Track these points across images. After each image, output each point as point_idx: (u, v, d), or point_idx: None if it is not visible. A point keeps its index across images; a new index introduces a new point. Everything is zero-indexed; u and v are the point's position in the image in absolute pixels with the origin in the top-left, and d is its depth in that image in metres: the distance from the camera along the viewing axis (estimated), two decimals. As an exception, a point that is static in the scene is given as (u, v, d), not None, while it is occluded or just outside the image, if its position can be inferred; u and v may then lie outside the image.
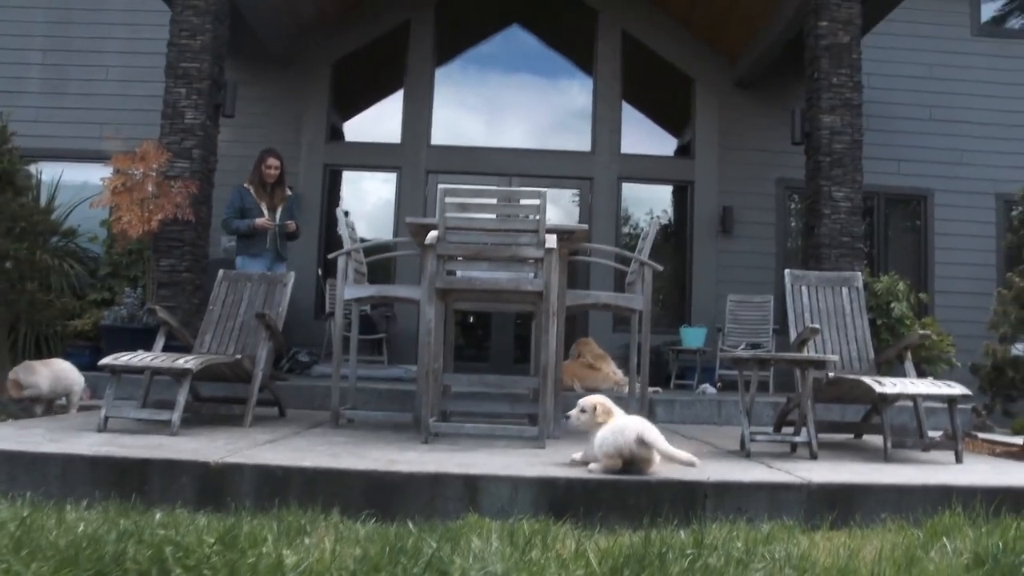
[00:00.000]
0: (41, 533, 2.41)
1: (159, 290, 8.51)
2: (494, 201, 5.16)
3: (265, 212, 8.36)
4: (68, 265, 9.75)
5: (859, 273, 6.42)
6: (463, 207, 5.03)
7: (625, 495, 3.60)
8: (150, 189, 8.26)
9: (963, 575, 2.52)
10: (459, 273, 5.48)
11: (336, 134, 12.36)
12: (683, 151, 12.57)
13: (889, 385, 4.84)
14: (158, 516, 2.88)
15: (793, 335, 5.87)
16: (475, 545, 2.51)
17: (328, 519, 3.17)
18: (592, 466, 3.86)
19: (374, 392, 7.19)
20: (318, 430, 5.47)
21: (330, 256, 6.45)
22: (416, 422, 5.48)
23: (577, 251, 6.76)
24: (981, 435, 6.56)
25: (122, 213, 8.09)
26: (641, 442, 3.77)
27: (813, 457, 4.70)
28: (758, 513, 3.58)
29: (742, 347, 10.25)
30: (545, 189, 4.99)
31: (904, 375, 5.43)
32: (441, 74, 12.53)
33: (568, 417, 4.18)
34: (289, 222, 8.39)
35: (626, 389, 6.74)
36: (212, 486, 3.67)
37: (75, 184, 10.77)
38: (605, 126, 12.29)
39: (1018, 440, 6.06)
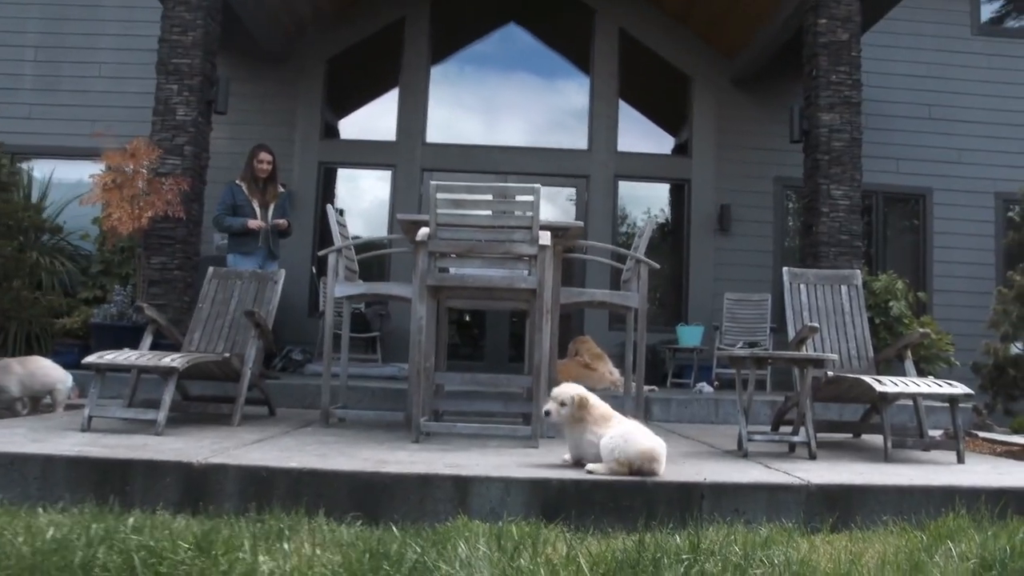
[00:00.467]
0: (4, 539, 2.31)
1: (150, 288, 8.41)
2: (487, 197, 5.05)
3: (257, 209, 8.24)
4: (59, 263, 9.65)
5: (858, 271, 6.33)
6: (456, 203, 4.93)
7: (619, 497, 3.50)
8: (141, 186, 8.15)
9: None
10: (452, 270, 5.37)
11: (331, 131, 12.25)
12: (680, 149, 12.46)
13: (889, 384, 4.75)
14: (132, 520, 2.77)
15: (791, 333, 5.78)
16: (462, 551, 2.41)
17: (313, 522, 3.07)
18: (594, 467, 3.75)
19: (367, 391, 7.08)
20: (308, 429, 5.37)
21: (320, 253, 6.35)
22: (408, 421, 5.38)
23: (572, 249, 6.66)
24: (982, 434, 6.47)
25: (112, 210, 7.99)
26: (654, 459, 3.71)
27: (812, 457, 4.60)
28: (756, 515, 3.49)
29: (739, 346, 10.17)
30: (538, 185, 4.87)
31: (903, 374, 5.34)
32: (437, 71, 12.42)
33: (548, 413, 4.05)
34: (280, 220, 8.25)
35: (622, 389, 6.64)
36: (196, 487, 3.56)
37: (68, 182, 10.66)
38: (602, 124, 12.19)
39: (1019, 439, 5.97)
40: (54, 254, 9.74)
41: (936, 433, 5.54)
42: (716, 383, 9.79)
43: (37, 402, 6.06)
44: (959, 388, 4.73)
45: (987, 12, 12.46)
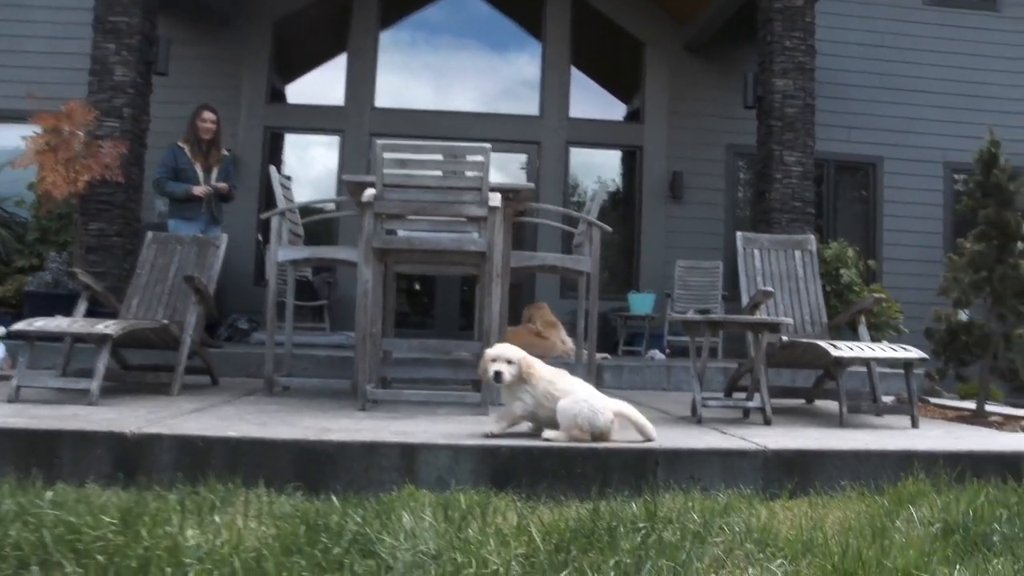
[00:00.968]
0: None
1: (87, 255, 8.12)
2: (436, 157, 4.88)
3: (200, 173, 7.91)
4: (-9, 231, 9.30)
5: (812, 236, 6.26)
6: (403, 163, 4.75)
7: (572, 464, 3.38)
8: (77, 149, 7.84)
9: (933, 545, 2.34)
10: (400, 233, 5.20)
11: (277, 96, 11.94)
12: (633, 116, 12.35)
13: (845, 349, 4.69)
14: (50, 494, 2.59)
15: (745, 299, 5.69)
16: (406, 521, 2.27)
17: (251, 493, 2.91)
18: (552, 434, 3.60)
19: (313, 359, 6.90)
20: (251, 398, 5.18)
21: (263, 216, 6.13)
22: (354, 389, 5.22)
23: (523, 213, 6.52)
24: (933, 400, 6.47)
25: (46, 173, 7.68)
26: (621, 422, 3.64)
27: (767, 423, 4.52)
28: (712, 481, 3.39)
29: (690, 313, 10.11)
30: (488, 144, 4.71)
31: (856, 340, 5.29)
32: (386, 36, 12.15)
33: (499, 374, 3.68)
34: (222, 184, 7.92)
35: (575, 357, 6.54)
36: (128, 459, 3.37)
37: (3, 148, 10.24)
38: (554, 91, 12.03)
39: (970, 404, 5.97)
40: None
41: (888, 399, 5.52)
42: (668, 350, 9.75)
43: (-34, 372, 5.82)
44: (914, 352, 4.68)
45: (939, -18, 12.47)
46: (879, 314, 8.92)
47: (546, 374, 3.78)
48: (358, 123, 11.58)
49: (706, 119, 11.85)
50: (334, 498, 2.73)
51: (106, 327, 4.75)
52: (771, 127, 9.02)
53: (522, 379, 3.72)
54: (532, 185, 5.68)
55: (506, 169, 12.10)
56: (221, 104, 9.44)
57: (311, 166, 12.40)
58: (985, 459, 3.66)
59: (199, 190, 7.75)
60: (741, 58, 11.11)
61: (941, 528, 2.48)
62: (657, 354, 9.28)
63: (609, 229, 5.93)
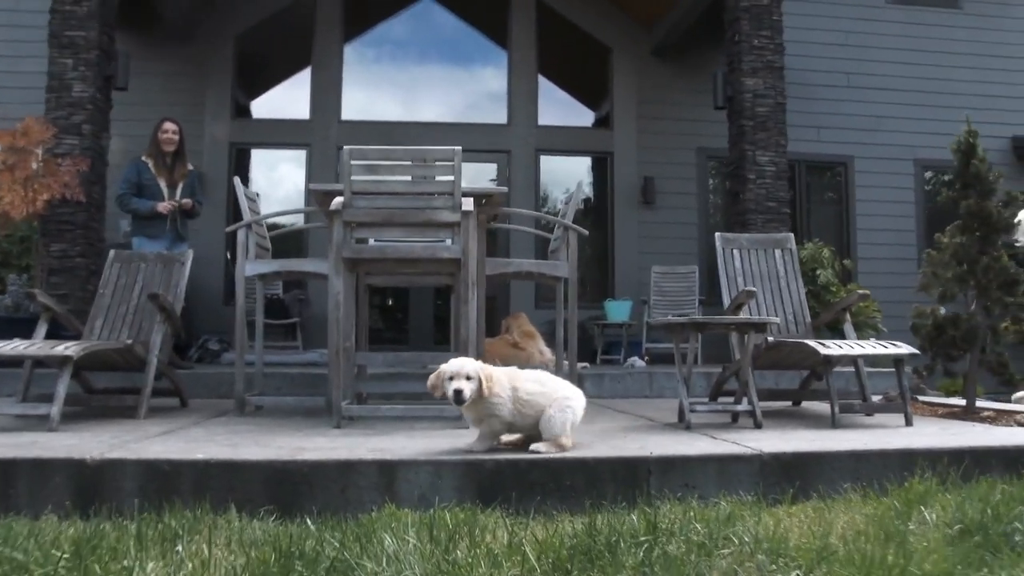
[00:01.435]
0: None
1: (50, 277, 7.88)
2: (405, 162, 4.71)
3: (164, 189, 7.67)
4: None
5: (791, 235, 6.15)
6: (371, 169, 4.58)
7: (561, 476, 3.20)
8: (34, 167, 7.61)
9: (955, 548, 2.19)
10: (371, 242, 5.03)
11: (242, 111, 11.73)
12: (602, 122, 12.25)
13: (834, 347, 4.56)
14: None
15: (726, 300, 5.57)
16: (388, 544, 2.09)
17: (222, 518, 2.72)
18: (540, 446, 3.40)
19: (286, 377, 6.69)
20: (221, 419, 4.97)
21: (228, 229, 5.93)
22: (329, 406, 5.03)
23: (495, 219, 6.36)
24: (921, 398, 6.37)
25: (3, 193, 7.43)
26: None
27: (758, 426, 4.37)
28: (708, 489, 3.22)
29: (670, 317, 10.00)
30: (459, 147, 4.55)
31: (840, 340, 5.17)
32: (351, 48, 11.99)
33: (460, 392, 3.37)
34: (186, 200, 7.69)
35: (554, 367, 6.37)
36: (89, 487, 3.16)
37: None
38: (521, 98, 11.90)
39: (959, 401, 5.87)
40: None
41: (875, 398, 5.39)
42: (647, 358, 9.61)
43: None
44: (904, 348, 4.56)
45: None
46: (858, 313, 8.83)
47: (514, 381, 3.56)
48: (324, 136, 11.39)
49: (675, 123, 11.76)
50: (309, 521, 2.55)
51: (66, 348, 4.53)
52: (743, 127, 8.93)
53: (483, 394, 3.44)
54: (505, 189, 5.52)
55: (477, 179, 11.92)
56: (185, 120, 9.18)
57: (279, 184, 12.19)
58: (989, 455, 3.52)
59: (163, 206, 7.51)
60: (708, 61, 11.03)
61: (960, 529, 2.34)
62: (637, 361, 9.14)
63: (585, 232, 5.79)
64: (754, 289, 5.17)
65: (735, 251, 5.87)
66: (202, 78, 11.28)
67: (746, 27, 8.97)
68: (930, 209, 11.87)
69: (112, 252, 6.12)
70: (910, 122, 11.94)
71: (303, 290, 10.16)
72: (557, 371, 5.95)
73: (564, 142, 12.00)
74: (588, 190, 12.15)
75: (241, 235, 5.44)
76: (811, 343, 4.62)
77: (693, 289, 10.44)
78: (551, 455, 3.32)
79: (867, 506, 2.82)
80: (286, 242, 10.78)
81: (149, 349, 5.21)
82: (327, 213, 4.78)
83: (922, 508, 2.58)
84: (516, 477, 3.20)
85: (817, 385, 5.52)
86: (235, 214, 10.65)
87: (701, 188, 11.80)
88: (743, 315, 5.15)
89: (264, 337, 5.95)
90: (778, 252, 5.90)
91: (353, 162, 4.51)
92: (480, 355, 4.89)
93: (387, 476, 3.18)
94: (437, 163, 4.62)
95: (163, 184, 7.67)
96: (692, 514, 2.56)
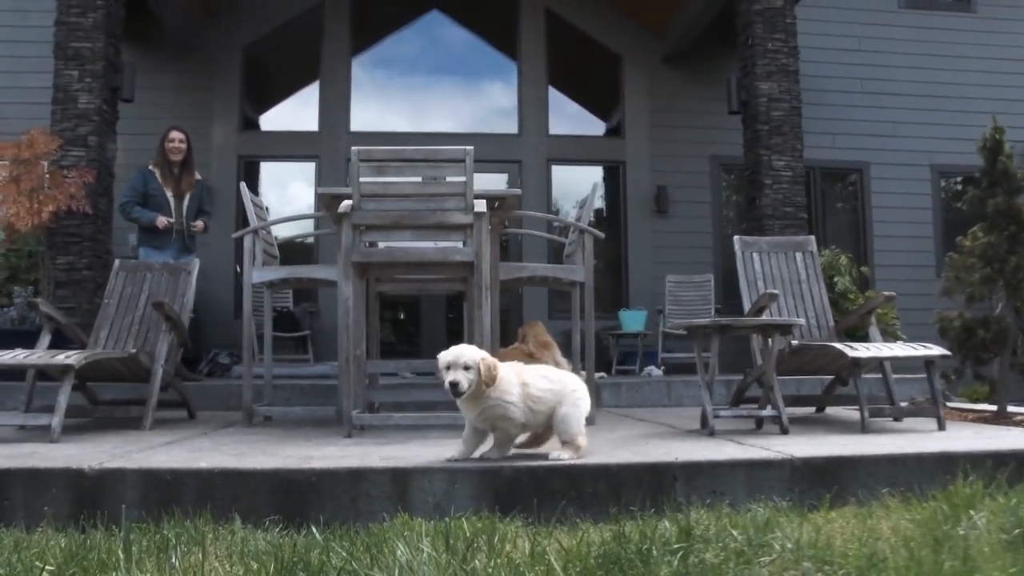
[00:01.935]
0: None
1: (57, 290, 7.76)
2: (415, 162, 4.56)
3: (171, 199, 7.56)
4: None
5: (812, 237, 5.98)
6: (380, 170, 4.43)
7: (582, 483, 3.05)
8: (40, 178, 7.50)
9: (1013, 555, 2.02)
10: (381, 246, 4.88)
11: (250, 123, 11.64)
12: (614, 131, 12.10)
13: (862, 349, 4.39)
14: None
15: (747, 305, 5.40)
16: (401, 553, 1.93)
17: (225, 528, 2.57)
18: (562, 453, 3.24)
19: (296, 388, 6.54)
20: (229, 430, 4.83)
21: (234, 235, 5.80)
22: (339, 416, 4.87)
23: (508, 224, 6.21)
24: (948, 404, 6.19)
25: (8, 205, 7.33)
26: None
27: (784, 432, 4.20)
28: (737, 495, 3.05)
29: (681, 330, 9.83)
30: (470, 147, 4.41)
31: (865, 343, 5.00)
32: (360, 60, 11.89)
33: (456, 384, 3.12)
34: (197, 223, 7.58)
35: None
36: (88, 497, 3.02)
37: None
38: (532, 107, 11.78)
39: (990, 407, 5.68)
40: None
41: (901, 404, 5.22)
42: (663, 367, 9.44)
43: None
44: (936, 350, 4.39)
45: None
46: (877, 320, 8.65)
47: (523, 376, 3.35)
48: (333, 148, 11.26)
49: (688, 131, 11.60)
50: (315, 531, 2.40)
51: (67, 357, 4.39)
52: (758, 132, 8.77)
53: (485, 385, 3.19)
54: (518, 191, 5.37)
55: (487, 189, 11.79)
56: (193, 133, 9.09)
57: (289, 196, 12.07)
58: (1033, 458, 3.34)
59: (162, 222, 7.39)
60: (720, 67, 10.88)
61: (1019, 534, 2.17)
62: (654, 370, 8.98)
63: (601, 235, 5.63)
64: (776, 292, 5.00)
65: (754, 254, 5.71)
66: (209, 90, 11.19)
67: (759, 30, 8.83)
68: (948, 215, 11.68)
69: (117, 261, 6.01)
70: (926, 127, 11.75)
71: (314, 303, 10.04)
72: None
73: (576, 151, 11.86)
74: (600, 200, 11.99)
75: (248, 241, 5.31)
76: (838, 345, 4.45)
77: (709, 298, 10.28)
78: (572, 461, 3.16)
79: (910, 511, 2.65)
80: (296, 254, 10.68)
81: (154, 359, 5.07)
82: (335, 217, 4.64)
83: (971, 512, 2.41)
84: (535, 485, 3.04)
85: (842, 390, 5.35)
86: (244, 227, 10.57)
87: (715, 196, 11.64)
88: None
89: (274, 350, 5.82)
90: (799, 255, 5.75)
91: (362, 163, 4.37)
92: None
93: (400, 484, 3.02)
94: (448, 163, 4.48)
95: (170, 194, 7.56)
96: (725, 521, 2.39)
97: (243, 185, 5.69)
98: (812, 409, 5.67)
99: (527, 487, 3.04)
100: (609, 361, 10.00)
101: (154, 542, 2.24)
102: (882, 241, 11.68)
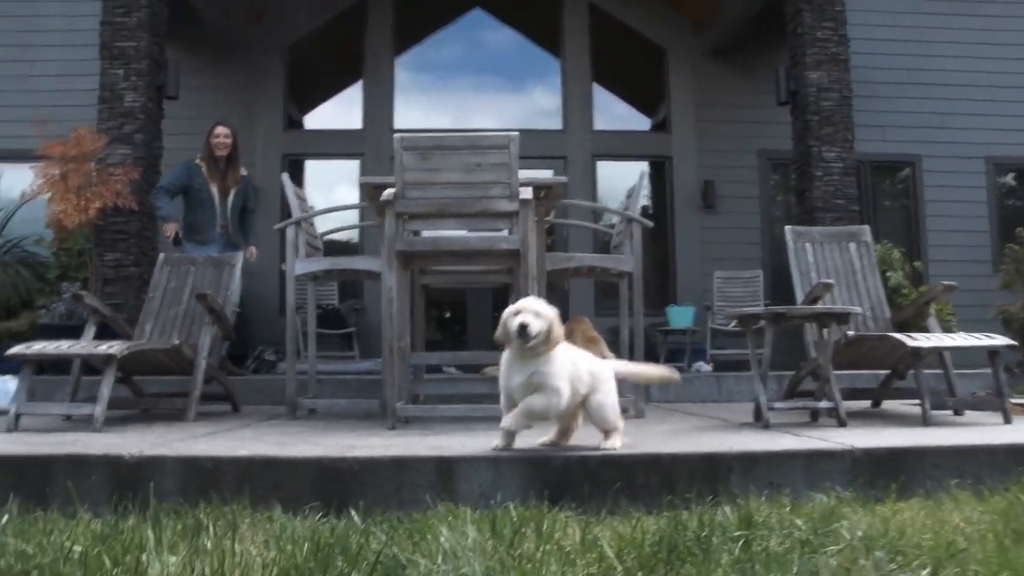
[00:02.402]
0: None
1: (104, 287, 7.82)
2: (459, 149, 4.46)
3: (216, 195, 7.57)
4: (12, 271, 8.99)
5: (867, 227, 5.80)
6: (423, 158, 4.35)
7: (633, 474, 2.93)
8: (87, 176, 7.55)
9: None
10: (424, 235, 4.80)
11: (294, 122, 11.67)
12: (660, 126, 11.95)
13: (923, 339, 4.23)
14: (8, 524, 2.18)
15: (799, 298, 5.25)
16: (445, 539, 1.83)
17: (264, 515, 2.50)
18: (615, 443, 3.11)
19: (341, 383, 6.50)
20: (273, 422, 4.77)
21: (276, 227, 5.75)
22: (384, 408, 4.80)
23: (553, 213, 6.10)
24: (1012, 400, 5.97)
25: (56, 203, 7.39)
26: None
27: (842, 424, 4.04)
28: (795, 487, 2.92)
29: (732, 325, 9.66)
30: (515, 133, 4.32)
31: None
32: (402, 58, 11.88)
33: (525, 327, 2.97)
34: (251, 250, 7.57)
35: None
36: (127, 484, 2.96)
37: (20, 187, 9.92)
38: (576, 103, 11.67)
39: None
40: (5, 261, 9.09)
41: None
42: (712, 364, 9.28)
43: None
44: (1000, 340, 4.21)
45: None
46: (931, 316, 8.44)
47: (571, 355, 3.21)
48: (377, 145, 11.22)
49: (735, 125, 11.40)
50: (355, 515, 2.31)
51: (109, 347, 4.37)
52: (807, 122, 8.59)
53: (552, 343, 3.04)
54: (564, 179, 5.26)
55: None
56: (237, 131, 9.12)
57: (335, 203, 11.98)
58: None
59: (170, 232, 7.46)
60: (766, 60, 10.65)
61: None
62: (703, 366, 8.84)
63: (650, 224, 5.51)
64: (831, 282, 4.85)
65: (807, 245, 5.55)
66: (253, 88, 11.23)
67: (808, 19, 8.65)
68: (1003, 209, 11.37)
69: (162, 256, 6.00)
70: (980, 118, 11.41)
71: (359, 299, 10.02)
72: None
73: (621, 147, 11.72)
74: (646, 197, 11.84)
75: (290, 232, 5.26)
76: (897, 335, 4.29)
77: (758, 294, 10.10)
78: (624, 451, 3.05)
79: (983, 503, 2.50)
80: (340, 251, 10.65)
81: (197, 351, 5.04)
82: (378, 207, 4.57)
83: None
84: (585, 475, 2.94)
85: (900, 384, 5.18)
86: (288, 222, 10.57)
87: (763, 191, 11.43)
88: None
89: (320, 347, 5.77)
90: (852, 245, 5.57)
91: (405, 151, 4.30)
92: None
93: (444, 474, 2.94)
94: (492, 150, 4.38)
95: (215, 190, 7.56)
96: (787, 509, 2.27)
97: (285, 176, 5.65)
98: (867, 404, 5.48)
99: (577, 477, 2.93)
100: (657, 357, 9.85)
101: (187, 526, 2.18)
102: (936, 236, 11.37)
